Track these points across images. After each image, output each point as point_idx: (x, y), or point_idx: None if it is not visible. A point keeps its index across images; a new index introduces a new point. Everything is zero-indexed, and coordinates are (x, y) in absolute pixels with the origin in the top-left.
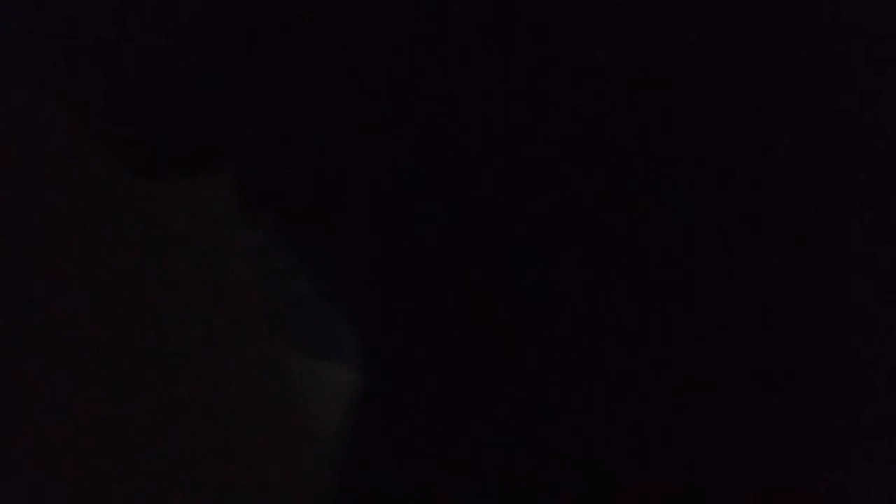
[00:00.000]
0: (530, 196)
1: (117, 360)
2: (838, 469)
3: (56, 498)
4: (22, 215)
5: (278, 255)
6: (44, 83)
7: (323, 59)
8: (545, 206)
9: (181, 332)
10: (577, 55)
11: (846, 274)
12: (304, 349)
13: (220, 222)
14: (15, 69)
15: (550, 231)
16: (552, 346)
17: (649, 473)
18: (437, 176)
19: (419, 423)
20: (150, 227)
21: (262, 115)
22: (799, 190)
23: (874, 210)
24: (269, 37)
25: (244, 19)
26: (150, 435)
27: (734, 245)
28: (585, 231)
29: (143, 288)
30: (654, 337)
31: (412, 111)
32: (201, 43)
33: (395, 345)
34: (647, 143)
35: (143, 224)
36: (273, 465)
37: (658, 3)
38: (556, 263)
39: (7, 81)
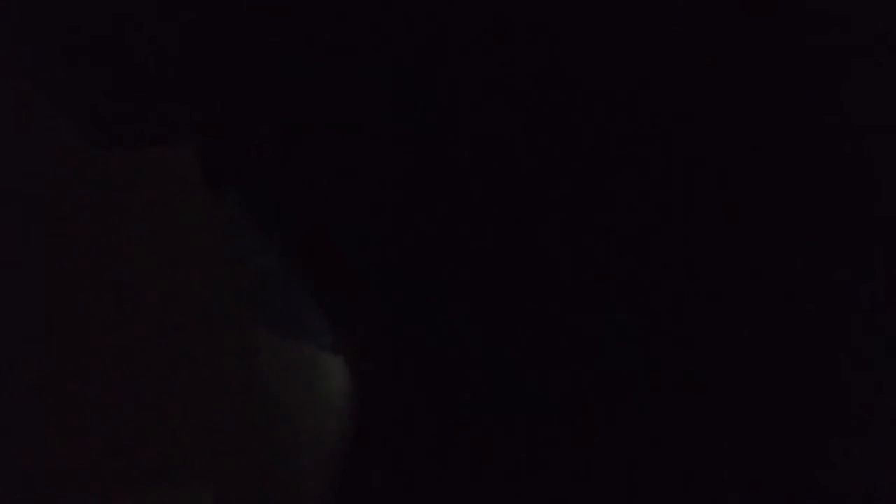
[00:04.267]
0: (515, 174)
1: (83, 339)
2: (837, 469)
3: (26, 477)
4: None
5: (244, 232)
6: (9, 52)
7: (289, 24)
8: (533, 186)
9: (147, 310)
10: (577, 55)
11: (846, 274)
12: (273, 327)
13: (187, 199)
14: None
15: (534, 218)
16: (533, 336)
17: (648, 473)
18: (410, 148)
19: (394, 402)
20: (116, 203)
21: (225, 86)
22: (798, 191)
23: (874, 211)
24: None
25: None
26: (113, 413)
27: (733, 245)
28: (577, 222)
29: (108, 266)
30: (651, 335)
31: (382, 82)
32: (169, 8)
33: (366, 324)
34: (647, 143)
35: (108, 201)
36: (241, 442)
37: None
38: (540, 244)
39: None
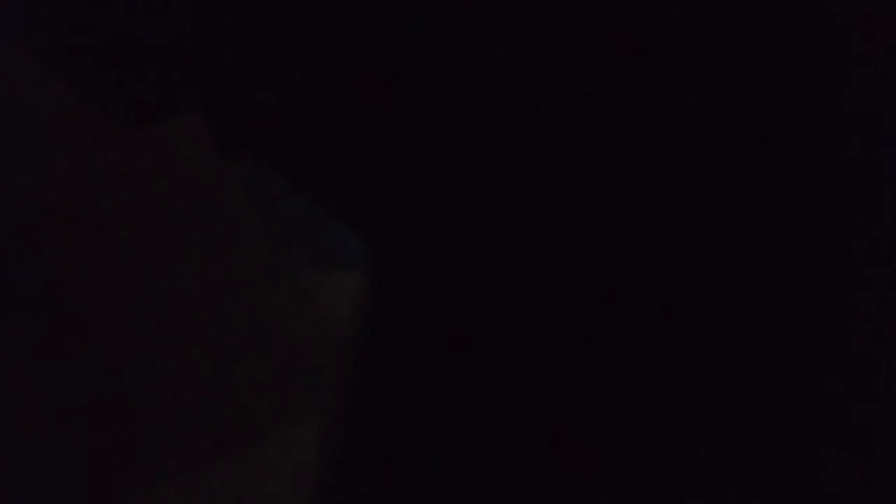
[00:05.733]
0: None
1: (133, 309)
2: (836, 467)
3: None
4: (14, 174)
5: (267, 184)
6: (18, 32)
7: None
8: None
9: (193, 276)
10: (577, 54)
11: (845, 275)
12: (319, 263)
13: (210, 162)
14: None
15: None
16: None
17: (648, 473)
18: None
19: (426, 318)
20: (146, 173)
21: (225, 51)
22: (798, 192)
23: (874, 211)
24: None
25: None
26: (169, 375)
27: (732, 246)
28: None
29: (147, 235)
30: (651, 334)
31: (390, 42)
32: None
33: (403, 258)
34: (647, 143)
35: (142, 172)
36: (328, 375)
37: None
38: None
39: None
